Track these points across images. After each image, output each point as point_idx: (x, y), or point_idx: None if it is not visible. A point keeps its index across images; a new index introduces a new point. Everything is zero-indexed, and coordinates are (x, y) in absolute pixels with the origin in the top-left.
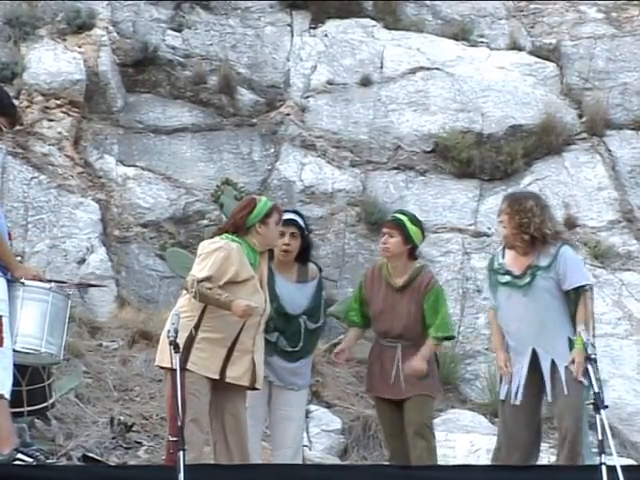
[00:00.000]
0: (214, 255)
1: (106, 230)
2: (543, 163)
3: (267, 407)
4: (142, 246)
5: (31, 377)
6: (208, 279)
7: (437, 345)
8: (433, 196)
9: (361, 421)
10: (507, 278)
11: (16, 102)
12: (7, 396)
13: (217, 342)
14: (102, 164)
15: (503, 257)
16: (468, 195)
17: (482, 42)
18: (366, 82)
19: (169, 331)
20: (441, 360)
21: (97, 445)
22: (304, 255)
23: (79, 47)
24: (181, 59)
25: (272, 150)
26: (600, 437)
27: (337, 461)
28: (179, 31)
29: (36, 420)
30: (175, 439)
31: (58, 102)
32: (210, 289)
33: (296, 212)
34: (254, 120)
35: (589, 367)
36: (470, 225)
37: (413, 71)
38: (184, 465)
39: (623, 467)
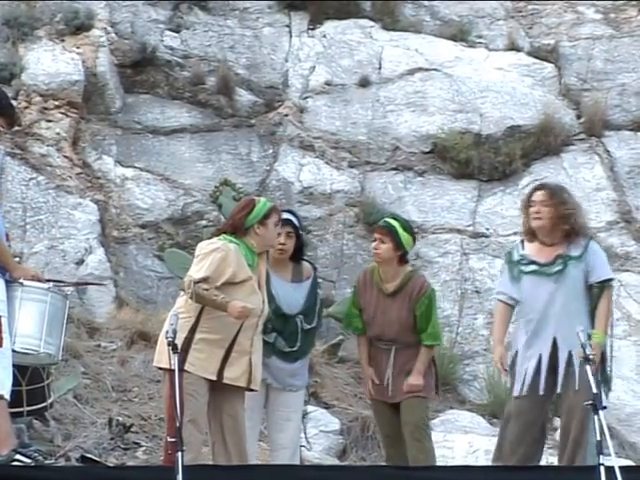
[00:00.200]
0: (211, 256)
1: (104, 231)
2: (541, 164)
3: (264, 409)
4: (140, 247)
5: (31, 377)
6: (205, 280)
7: (430, 351)
8: (431, 197)
9: (359, 422)
10: (533, 267)
11: (14, 103)
12: (7, 396)
13: (215, 343)
14: (100, 165)
15: (523, 249)
16: (466, 196)
17: (480, 43)
18: (364, 83)
19: (167, 332)
20: (439, 361)
21: (95, 446)
22: (298, 254)
23: (77, 48)
24: (179, 60)
25: (270, 151)
26: (599, 438)
27: (335, 462)
28: (177, 32)
29: (34, 421)
30: (173, 440)
31: (56, 103)
32: (207, 290)
33: (291, 211)
34: (252, 121)
35: (587, 367)
36: (468, 226)
37: (411, 72)
38: (182, 466)
39: (621, 468)
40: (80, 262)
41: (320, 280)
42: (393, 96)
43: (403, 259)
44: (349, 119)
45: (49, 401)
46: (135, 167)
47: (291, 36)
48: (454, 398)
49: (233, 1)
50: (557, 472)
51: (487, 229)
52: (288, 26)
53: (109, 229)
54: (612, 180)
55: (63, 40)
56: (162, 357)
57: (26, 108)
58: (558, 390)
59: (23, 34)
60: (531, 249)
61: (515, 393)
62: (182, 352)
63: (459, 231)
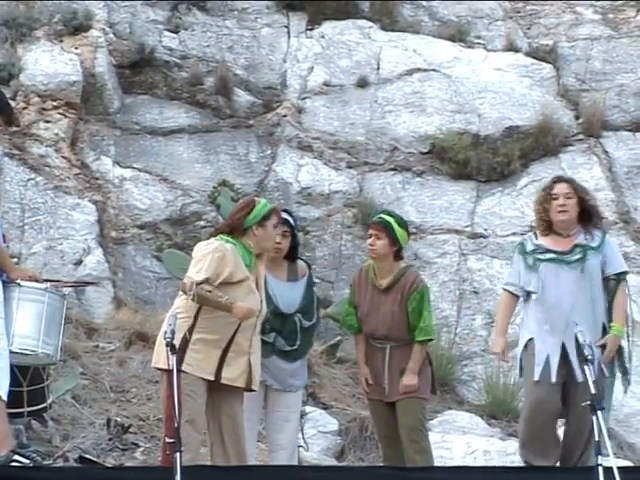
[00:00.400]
0: (210, 257)
1: (103, 231)
2: (540, 164)
3: (263, 409)
4: (139, 247)
5: (32, 378)
6: (207, 281)
7: (423, 347)
8: (430, 197)
9: (358, 422)
10: (551, 255)
11: (13, 103)
12: (4, 397)
13: (212, 343)
14: (99, 165)
15: (537, 239)
16: (465, 196)
17: (479, 43)
18: (363, 83)
19: (165, 332)
20: (437, 361)
21: (94, 446)
22: (293, 253)
23: (76, 48)
24: (178, 60)
25: (269, 151)
26: (597, 438)
27: (334, 462)
28: (176, 32)
29: (33, 421)
30: (172, 440)
31: (55, 103)
32: (210, 292)
33: (286, 211)
34: (251, 121)
35: (586, 368)
36: (467, 226)
37: (410, 72)
38: (181, 467)
39: (620, 468)
40: (78, 263)
41: (318, 281)
42: (391, 97)
43: (398, 255)
44: (347, 120)
45: (49, 401)
46: (133, 168)
47: (289, 37)
48: (452, 399)
49: (231, 1)
50: (556, 472)
51: (485, 230)
52: (286, 27)
53: (107, 230)
54: (610, 181)
55: (61, 41)
56: (160, 357)
57: (24, 109)
58: (578, 379)
59: (21, 34)
60: (546, 240)
61: (536, 377)
62: (180, 352)
63: (457, 232)
